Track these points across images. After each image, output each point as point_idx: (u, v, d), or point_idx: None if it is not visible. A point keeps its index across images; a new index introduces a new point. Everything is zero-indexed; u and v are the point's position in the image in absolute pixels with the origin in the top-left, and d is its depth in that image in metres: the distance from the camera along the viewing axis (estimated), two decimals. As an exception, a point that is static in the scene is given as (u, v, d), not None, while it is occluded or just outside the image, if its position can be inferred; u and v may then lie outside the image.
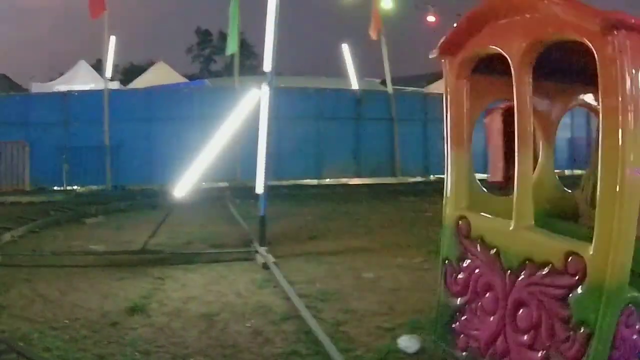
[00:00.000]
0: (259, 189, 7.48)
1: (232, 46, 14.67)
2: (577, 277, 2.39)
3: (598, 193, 2.33)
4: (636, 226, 2.28)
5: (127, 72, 38.72)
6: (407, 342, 4.05)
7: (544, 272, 2.57)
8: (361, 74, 17.76)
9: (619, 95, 2.20)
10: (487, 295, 2.98)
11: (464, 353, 3.15)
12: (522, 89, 2.72)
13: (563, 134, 16.92)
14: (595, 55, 2.27)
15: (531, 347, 2.64)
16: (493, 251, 2.93)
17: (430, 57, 3.31)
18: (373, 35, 16.11)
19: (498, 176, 7.78)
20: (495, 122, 7.62)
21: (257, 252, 6.92)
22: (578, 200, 3.84)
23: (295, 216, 10.26)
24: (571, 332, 2.40)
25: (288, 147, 14.10)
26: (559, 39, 2.50)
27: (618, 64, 2.18)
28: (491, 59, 3.05)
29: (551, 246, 2.58)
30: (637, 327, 2.41)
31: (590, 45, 2.28)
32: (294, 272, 6.19)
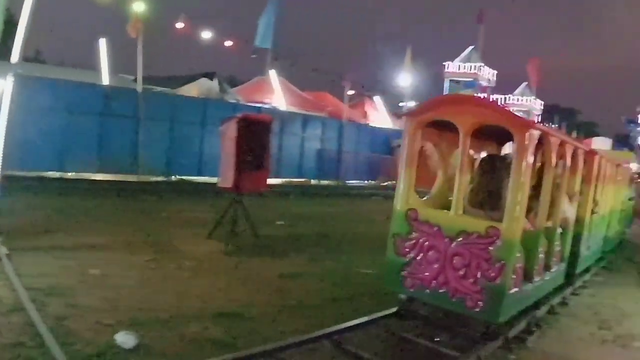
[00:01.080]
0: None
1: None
2: (495, 238, 5.03)
3: (509, 198, 5.03)
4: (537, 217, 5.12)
5: None
6: (124, 338, 4.31)
7: (474, 236, 5.13)
8: (118, 70, 17.55)
9: (525, 157, 4.97)
10: (430, 252, 5.37)
11: (411, 289, 5.46)
12: (465, 141, 5.27)
13: (313, 145, 19.96)
14: (515, 138, 5.00)
15: (464, 277, 5.15)
16: (436, 228, 5.35)
17: (397, 118, 5.66)
18: (132, 33, 16.39)
19: (228, 183, 8.74)
20: (230, 131, 8.67)
21: (-11, 243, 6.73)
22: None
23: (36, 210, 10.01)
24: (492, 265, 5.02)
25: (32, 139, 13.25)
26: (494, 124, 5.17)
27: (527, 145, 4.96)
28: (437, 122, 5.54)
29: (478, 223, 5.17)
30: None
31: (514, 133, 5.00)
32: (25, 265, 6.22)
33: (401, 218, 5.57)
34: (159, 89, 18.64)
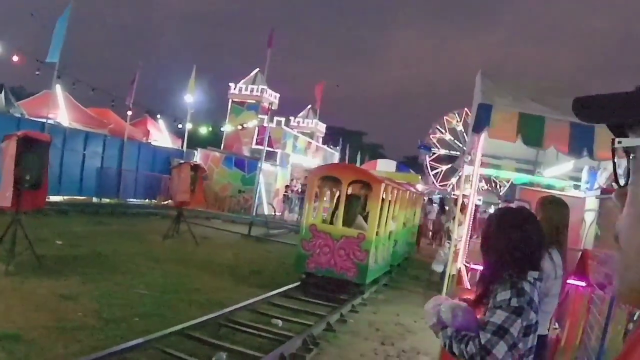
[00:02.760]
0: None
1: None
2: (363, 238, 9.36)
3: (370, 217, 9.48)
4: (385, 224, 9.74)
5: None
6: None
7: (352, 239, 9.36)
8: None
9: (377, 197, 9.53)
10: (324, 248, 9.39)
11: (313, 270, 9.35)
12: (344, 189, 9.57)
13: (94, 163, 19.79)
14: (373, 187, 9.55)
15: (345, 260, 9.33)
16: (328, 235, 9.40)
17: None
18: None
19: (7, 201, 8.27)
20: (10, 148, 8.37)
21: None
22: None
23: None
24: (361, 252, 9.34)
25: None
26: (361, 180, 9.63)
27: (379, 191, 9.54)
28: (329, 177, 9.73)
29: (353, 231, 9.44)
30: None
31: (372, 184, 9.54)
32: None
33: (307, 229, 9.47)
34: None
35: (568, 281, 4.18)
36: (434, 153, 40.04)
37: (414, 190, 15.46)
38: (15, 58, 17.68)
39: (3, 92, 18.41)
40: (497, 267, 2.40)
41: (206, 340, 6.06)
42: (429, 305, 2.54)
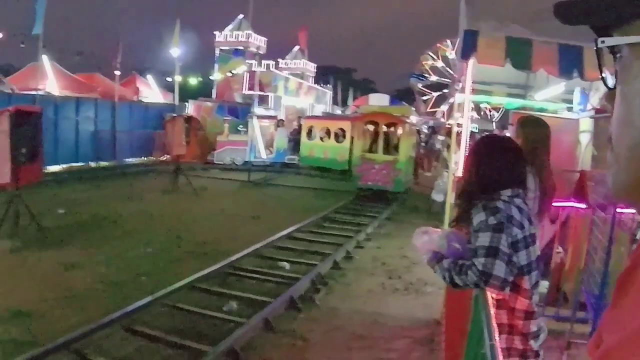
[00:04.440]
0: None
1: None
2: (396, 161, 12.11)
3: (402, 147, 14.02)
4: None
5: None
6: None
7: (389, 162, 13.67)
8: None
9: (403, 133, 13.95)
10: (372, 170, 13.57)
11: (362, 185, 13.76)
12: (381, 129, 13.84)
13: (87, 128, 19.68)
14: (399, 127, 14.26)
15: (385, 176, 13.54)
16: (373, 161, 13.84)
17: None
18: None
19: (4, 178, 8.29)
20: (2, 124, 8.25)
21: None
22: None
23: None
24: (395, 171, 13.54)
25: None
26: (392, 122, 14.11)
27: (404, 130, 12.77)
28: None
29: (389, 157, 13.86)
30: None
31: (399, 125, 13.73)
32: None
33: (358, 158, 13.96)
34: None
35: (570, 204, 4.20)
36: (425, 79, 39.44)
37: (414, 123, 17.51)
38: (-1, 35, 17.13)
39: (-9, 71, 18.01)
40: (470, 193, 2.48)
41: (215, 291, 6.16)
42: (417, 241, 2.57)
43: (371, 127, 14.37)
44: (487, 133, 8.61)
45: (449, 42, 37.67)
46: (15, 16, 21.60)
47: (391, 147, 14.07)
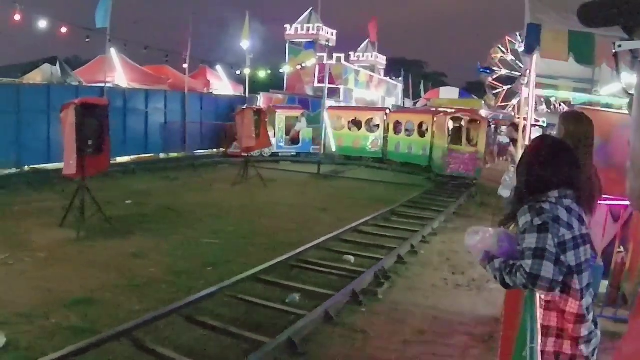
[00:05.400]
0: None
1: None
2: (477, 152, 15.44)
3: (479, 138, 16.09)
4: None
5: None
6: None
7: (472, 153, 15.93)
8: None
9: (482, 128, 14.15)
10: (457, 159, 15.95)
11: (449, 172, 15.80)
12: (465, 125, 14.27)
13: (157, 119, 19.85)
14: (480, 123, 16.13)
15: (468, 165, 15.81)
16: (458, 152, 16.01)
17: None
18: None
19: (71, 169, 8.45)
20: (69, 117, 8.43)
21: None
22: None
23: None
24: (477, 160, 15.77)
25: None
26: (474, 119, 16.44)
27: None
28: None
29: (472, 148, 16.05)
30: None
31: (480, 121, 16.07)
32: None
33: (445, 149, 15.94)
34: (3, 80, 17.36)
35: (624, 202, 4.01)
36: (495, 72, 38.11)
37: (484, 117, 18.87)
38: (63, 30, 17.97)
39: (58, 64, 18.82)
40: (521, 193, 2.49)
41: (278, 283, 6.27)
42: (469, 242, 2.57)
43: (455, 123, 16.78)
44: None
45: (518, 35, 36.23)
46: (78, 10, 22.08)
47: (472, 139, 16.23)
